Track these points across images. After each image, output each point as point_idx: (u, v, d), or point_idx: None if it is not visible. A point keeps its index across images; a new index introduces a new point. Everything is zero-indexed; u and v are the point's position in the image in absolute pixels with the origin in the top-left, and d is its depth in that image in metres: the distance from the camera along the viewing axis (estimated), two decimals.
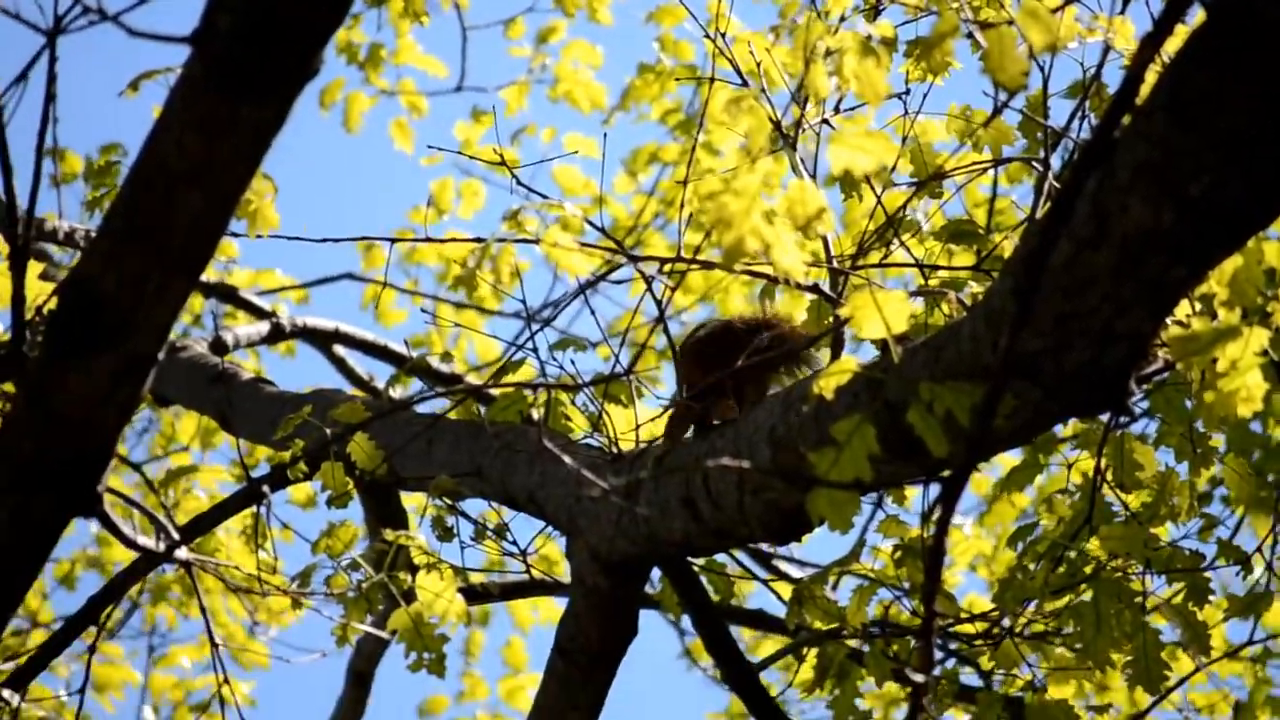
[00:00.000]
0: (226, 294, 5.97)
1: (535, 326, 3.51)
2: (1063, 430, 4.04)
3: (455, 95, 7.25)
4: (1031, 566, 3.75)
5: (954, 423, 2.79)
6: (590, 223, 3.25)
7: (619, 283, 3.41)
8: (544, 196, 3.33)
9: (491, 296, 7.31)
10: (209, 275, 6.09)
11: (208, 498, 6.38)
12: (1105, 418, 3.66)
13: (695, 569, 3.92)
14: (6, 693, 3.27)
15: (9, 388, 2.77)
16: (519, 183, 3.42)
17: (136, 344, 2.68)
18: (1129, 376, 2.80)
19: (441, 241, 3.68)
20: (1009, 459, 4.18)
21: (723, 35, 3.62)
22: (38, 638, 6.56)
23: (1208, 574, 3.69)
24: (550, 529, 3.80)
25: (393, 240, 3.42)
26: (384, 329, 7.63)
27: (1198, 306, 3.10)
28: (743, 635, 6.74)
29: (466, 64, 7.18)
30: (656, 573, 3.89)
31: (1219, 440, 3.86)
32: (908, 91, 3.61)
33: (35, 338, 2.76)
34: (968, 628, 4.14)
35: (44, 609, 6.98)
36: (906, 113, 3.66)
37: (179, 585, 6.73)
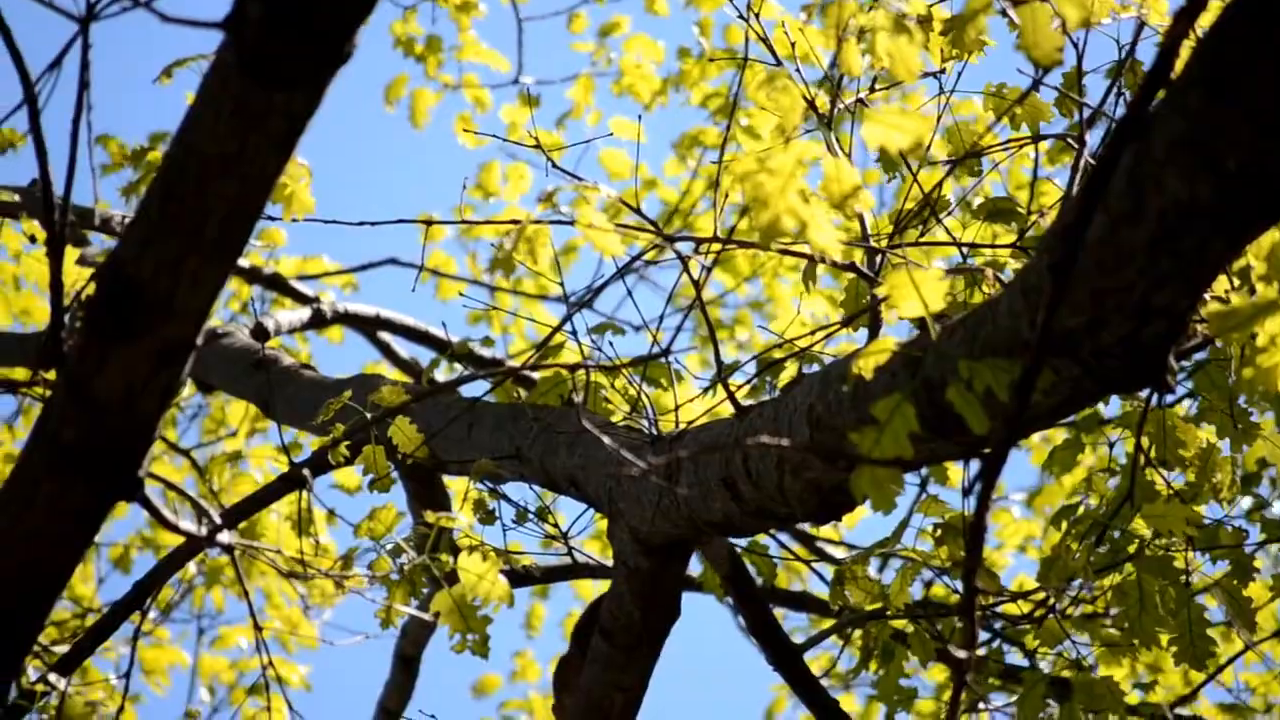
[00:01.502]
0: (272, 282, 6.00)
1: (576, 310, 3.51)
2: (1106, 412, 4.02)
3: (519, 89, 7.28)
4: (1075, 547, 3.73)
5: (993, 400, 2.78)
6: (626, 204, 3.24)
7: (654, 264, 3.40)
8: (579, 179, 3.34)
9: (540, 280, 7.33)
10: (256, 264, 6.13)
11: (262, 479, 6.41)
12: (1146, 394, 3.64)
13: (738, 551, 3.92)
14: (53, 676, 3.30)
15: (50, 375, 2.79)
16: (554, 165, 3.42)
17: (174, 328, 2.69)
18: (1167, 352, 2.78)
19: (477, 224, 3.69)
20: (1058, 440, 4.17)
21: (757, 16, 3.61)
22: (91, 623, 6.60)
23: (1252, 552, 3.68)
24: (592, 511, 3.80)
25: (428, 223, 3.42)
26: (443, 309, 7.67)
27: (1236, 282, 3.08)
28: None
29: (525, 58, 7.20)
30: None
31: (1269, 422, 3.84)
32: (943, 71, 3.60)
33: (75, 324, 2.77)
34: (1014, 609, 4.12)
35: (99, 594, 7.03)
36: (941, 91, 3.65)
37: (232, 569, 6.77)
